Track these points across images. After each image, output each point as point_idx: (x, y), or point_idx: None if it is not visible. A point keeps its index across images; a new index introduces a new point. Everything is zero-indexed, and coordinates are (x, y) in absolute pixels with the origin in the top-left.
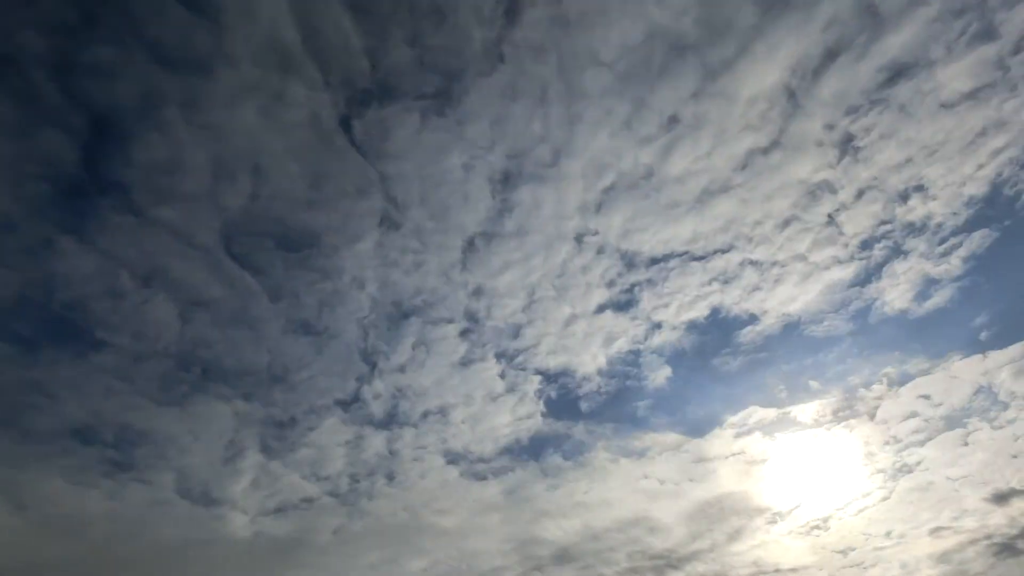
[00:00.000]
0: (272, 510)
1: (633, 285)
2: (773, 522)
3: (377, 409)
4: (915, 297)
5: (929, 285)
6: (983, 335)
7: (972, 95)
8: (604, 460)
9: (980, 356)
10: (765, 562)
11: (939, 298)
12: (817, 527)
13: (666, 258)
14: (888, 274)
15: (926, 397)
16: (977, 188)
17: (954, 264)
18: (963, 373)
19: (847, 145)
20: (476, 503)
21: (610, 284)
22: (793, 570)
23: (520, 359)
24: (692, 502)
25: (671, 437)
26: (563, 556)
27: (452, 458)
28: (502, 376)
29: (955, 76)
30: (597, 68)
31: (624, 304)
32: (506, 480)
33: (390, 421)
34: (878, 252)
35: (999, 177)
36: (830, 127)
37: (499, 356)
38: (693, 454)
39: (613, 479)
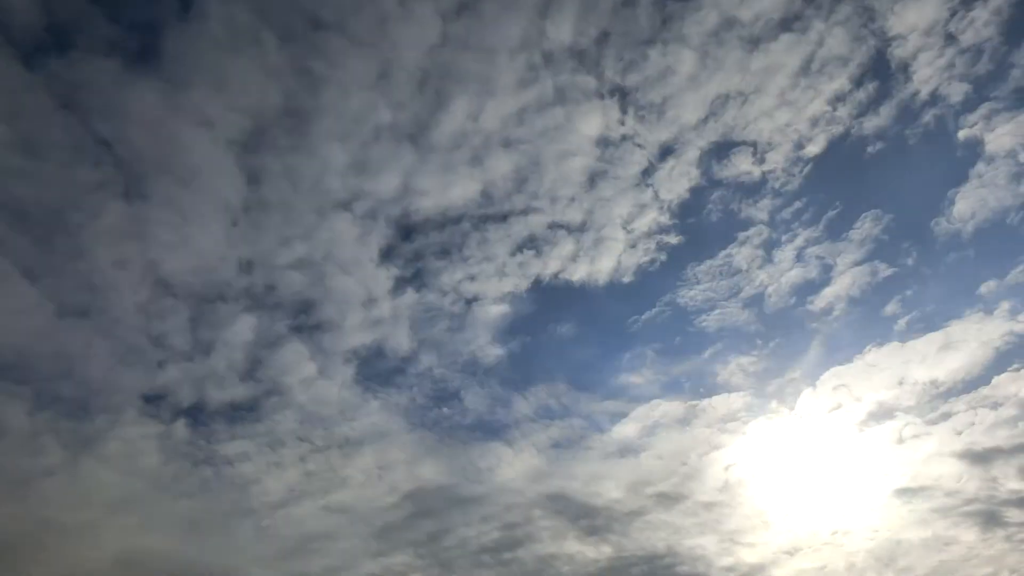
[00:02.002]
0: None
1: (425, 251)
2: None
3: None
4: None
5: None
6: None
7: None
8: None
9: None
10: None
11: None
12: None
13: (457, 220)
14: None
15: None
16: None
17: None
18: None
19: (631, 98)
20: None
21: (393, 253)
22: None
23: (327, 341)
24: None
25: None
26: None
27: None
28: (311, 358)
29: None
30: (326, 30)
31: (419, 274)
32: None
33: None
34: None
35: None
36: (609, 79)
37: (303, 339)
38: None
39: None
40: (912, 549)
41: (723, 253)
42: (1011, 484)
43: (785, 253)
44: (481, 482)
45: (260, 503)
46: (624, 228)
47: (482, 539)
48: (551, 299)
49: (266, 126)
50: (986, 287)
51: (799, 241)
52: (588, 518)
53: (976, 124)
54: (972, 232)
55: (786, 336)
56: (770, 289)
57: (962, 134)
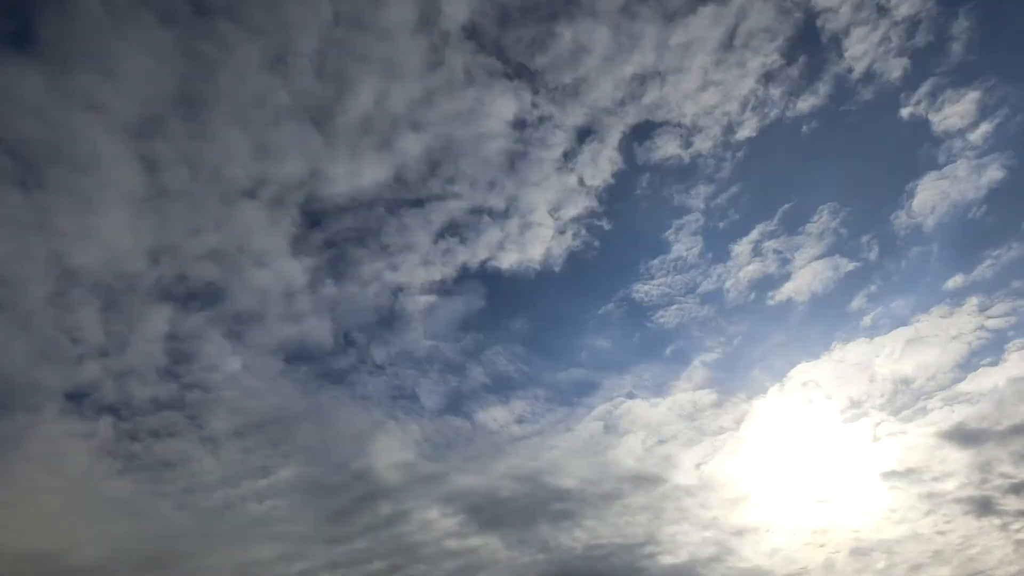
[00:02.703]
0: None
1: (339, 239)
2: None
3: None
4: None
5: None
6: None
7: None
8: None
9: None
10: None
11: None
12: None
13: (370, 205)
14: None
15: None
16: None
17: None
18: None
19: (543, 78)
20: None
21: (306, 242)
22: None
23: (249, 334)
24: None
25: None
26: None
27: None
28: (235, 352)
29: None
30: (212, 13)
31: (336, 263)
32: None
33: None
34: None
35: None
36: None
37: (224, 332)
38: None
39: None
40: (883, 543)
41: (661, 239)
42: (995, 481)
43: (742, 247)
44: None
45: (196, 494)
46: (551, 214)
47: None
48: (485, 288)
49: (160, 112)
50: (953, 282)
51: (754, 235)
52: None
53: (920, 103)
54: (934, 226)
55: (749, 332)
56: (728, 284)
57: (905, 113)
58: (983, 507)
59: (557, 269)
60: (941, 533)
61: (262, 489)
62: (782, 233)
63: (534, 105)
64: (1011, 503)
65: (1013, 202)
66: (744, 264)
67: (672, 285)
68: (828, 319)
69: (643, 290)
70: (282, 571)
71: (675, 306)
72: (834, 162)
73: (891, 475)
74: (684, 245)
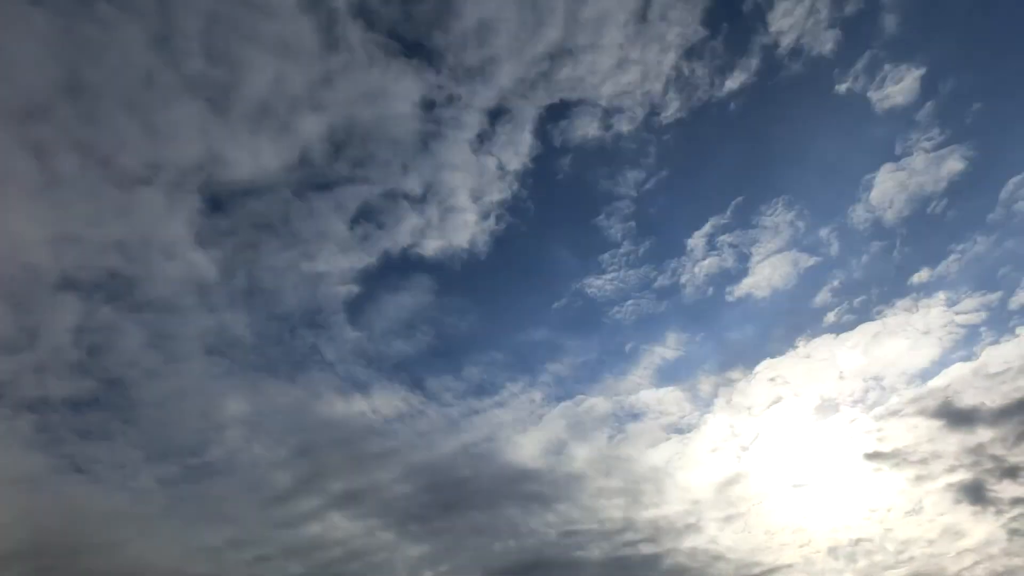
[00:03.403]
0: None
1: (246, 225)
2: None
3: None
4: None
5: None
6: None
7: None
8: None
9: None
10: None
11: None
12: None
13: (276, 188)
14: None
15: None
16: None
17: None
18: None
19: (448, 57)
20: None
21: (213, 229)
22: None
23: (163, 325)
24: None
25: None
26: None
27: None
28: (152, 345)
29: None
30: None
31: (244, 250)
32: None
33: None
34: None
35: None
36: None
37: (139, 324)
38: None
39: None
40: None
41: (591, 226)
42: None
43: (696, 241)
44: None
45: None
46: (473, 199)
47: None
48: (411, 276)
49: (46, 98)
50: (918, 277)
51: (707, 228)
52: None
53: (858, 78)
54: (895, 220)
55: (711, 328)
56: (684, 279)
57: (842, 89)
58: (974, 494)
59: (484, 258)
60: (924, 515)
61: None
62: (736, 227)
63: (439, 86)
64: (1006, 489)
65: (975, 195)
66: (699, 259)
67: (626, 280)
68: (792, 315)
69: (596, 285)
70: (233, 558)
71: (630, 301)
72: (779, 145)
73: (872, 461)
74: (619, 231)
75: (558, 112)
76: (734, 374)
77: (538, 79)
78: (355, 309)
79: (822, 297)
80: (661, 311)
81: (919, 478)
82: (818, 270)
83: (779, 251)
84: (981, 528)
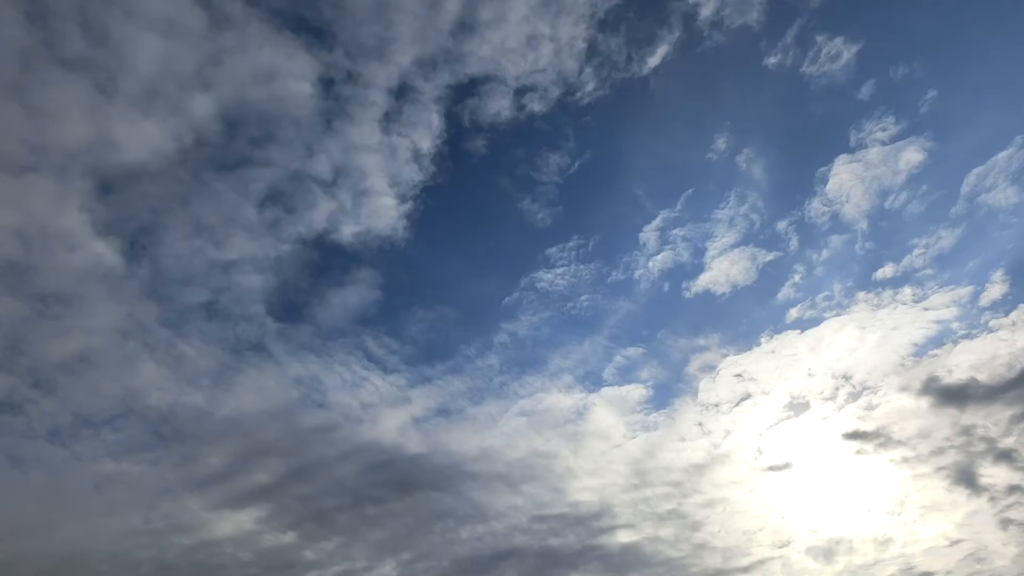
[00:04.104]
0: None
1: (143, 210)
2: None
3: None
4: None
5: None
6: None
7: None
8: None
9: None
10: None
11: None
12: None
13: (169, 170)
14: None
15: None
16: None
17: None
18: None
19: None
20: None
21: (109, 216)
22: None
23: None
24: None
25: None
26: None
27: None
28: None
29: None
30: None
31: (143, 236)
32: None
33: None
34: None
35: None
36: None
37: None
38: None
39: None
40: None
41: (517, 209)
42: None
43: (647, 235)
44: None
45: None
46: (388, 183)
47: None
48: (328, 262)
49: None
50: (882, 273)
51: (658, 222)
52: None
53: (789, 51)
54: (854, 214)
55: (670, 324)
56: (637, 273)
57: (771, 63)
58: (965, 479)
59: (404, 245)
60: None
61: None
62: (688, 220)
63: (334, 64)
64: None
65: (936, 188)
66: (652, 254)
67: (577, 275)
68: (754, 311)
69: (546, 279)
70: (172, 543)
71: (584, 296)
72: (719, 133)
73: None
74: (547, 217)
75: (466, 91)
76: (698, 370)
77: (441, 57)
78: (274, 299)
79: (784, 292)
80: (616, 306)
81: (904, 460)
82: (778, 265)
83: (736, 246)
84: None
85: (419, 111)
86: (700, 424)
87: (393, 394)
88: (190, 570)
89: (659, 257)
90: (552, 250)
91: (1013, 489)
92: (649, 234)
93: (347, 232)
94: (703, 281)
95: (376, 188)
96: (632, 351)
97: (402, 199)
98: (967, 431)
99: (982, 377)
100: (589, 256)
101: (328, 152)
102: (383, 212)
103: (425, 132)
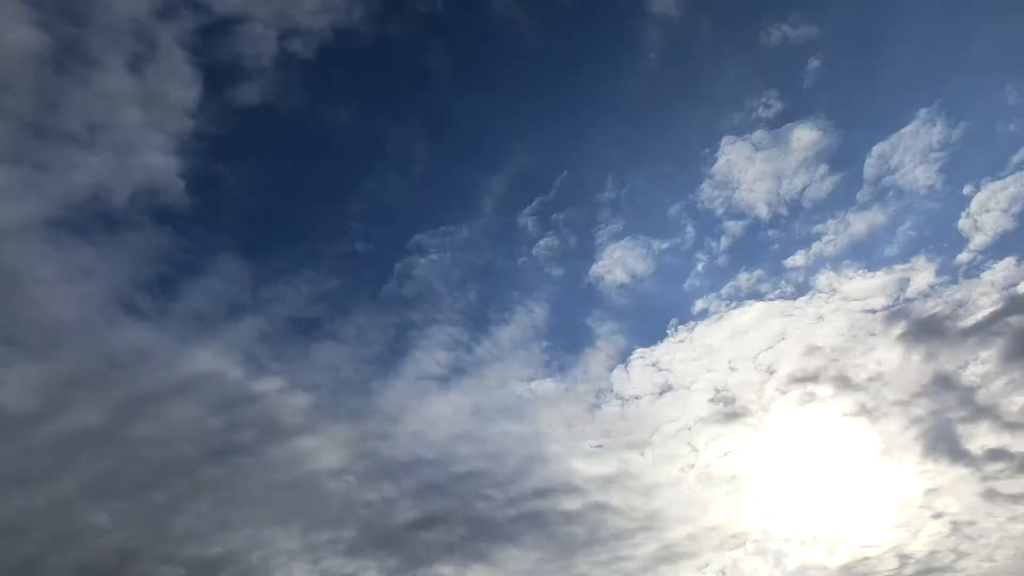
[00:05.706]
0: None
1: None
2: None
3: None
4: None
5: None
6: None
7: None
8: None
9: None
10: None
11: None
12: None
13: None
14: None
15: None
16: None
17: None
18: None
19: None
20: None
21: None
22: None
23: None
24: None
25: None
26: None
27: None
28: None
29: None
30: None
31: None
32: None
33: None
34: None
35: None
36: None
37: None
38: None
39: None
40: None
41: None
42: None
43: (523, 220)
44: None
45: None
46: (156, 131)
47: None
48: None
49: None
50: (792, 261)
51: (535, 205)
52: None
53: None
54: (752, 200)
55: (566, 314)
56: (521, 262)
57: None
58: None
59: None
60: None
61: None
62: (567, 205)
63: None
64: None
65: (838, 170)
66: (535, 239)
67: (457, 263)
68: (658, 301)
69: (421, 264)
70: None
71: (470, 283)
72: (575, 105)
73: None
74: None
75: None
76: (608, 364)
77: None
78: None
79: (690, 283)
80: (508, 295)
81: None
82: (676, 254)
83: (626, 233)
84: None
85: (165, 56)
86: (624, 418)
87: None
88: None
89: (542, 243)
90: (422, 236)
91: None
92: (524, 220)
93: (118, 197)
94: (598, 270)
95: (142, 142)
96: (535, 346)
97: (178, 151)
98: None
99: None
100: (460, 244)
101: (75, 103)
102: (152, 169)
103: (179, 79)
